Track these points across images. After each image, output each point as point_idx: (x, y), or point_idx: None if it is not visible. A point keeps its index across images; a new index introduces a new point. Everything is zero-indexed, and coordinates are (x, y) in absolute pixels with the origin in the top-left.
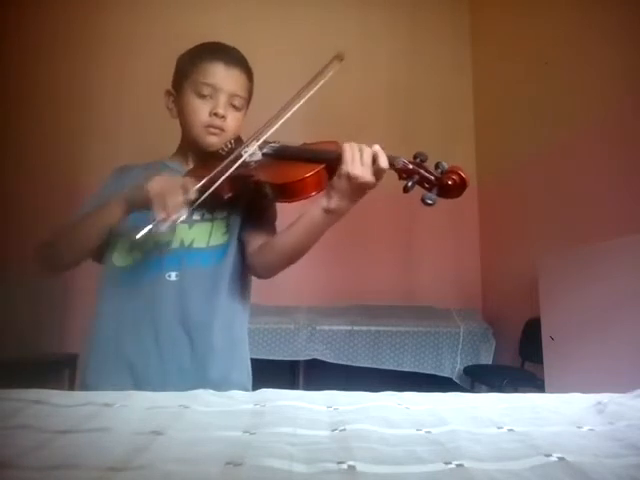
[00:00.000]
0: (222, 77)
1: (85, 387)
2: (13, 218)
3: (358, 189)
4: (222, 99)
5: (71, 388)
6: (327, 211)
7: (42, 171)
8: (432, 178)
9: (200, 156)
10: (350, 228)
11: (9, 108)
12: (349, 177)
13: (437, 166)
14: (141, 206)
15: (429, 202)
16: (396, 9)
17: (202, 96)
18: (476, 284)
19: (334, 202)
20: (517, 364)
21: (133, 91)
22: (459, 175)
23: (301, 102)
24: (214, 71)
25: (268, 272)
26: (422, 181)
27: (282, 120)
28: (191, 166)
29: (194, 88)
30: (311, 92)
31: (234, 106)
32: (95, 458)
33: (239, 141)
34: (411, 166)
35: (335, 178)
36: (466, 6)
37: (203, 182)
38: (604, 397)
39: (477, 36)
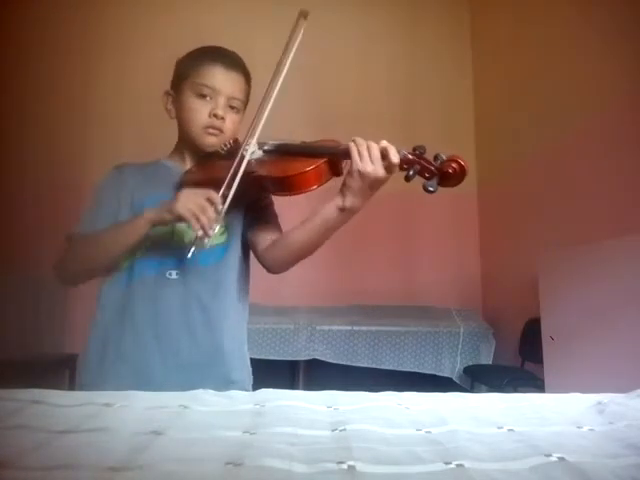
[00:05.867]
0: (221, 80)
1: (83, 385)
2: (15, 219)
3: (371, 185)
4: (221, 101)
5: (71, 388)
6: (342, 210)
7: (43, 172)
8: (432, 168)
9: (197, 156)
10: (350, 228)
11: (10, 107)
12: (361, 174)
13: (436, 158)
14: (172, 223)
15: (431, 189)
16: (396, 9)
17: (202, 97)
18: (476, 284)
19: (349, 200)
20: (517, 364)
21: (133, 91)
22: (458, 163)
23: (284, 72)
24: (213, 73)
25: (281, 267)
26: (423, 171)
27: (272, 99)
28: (189, 166)
29: (194, 89)
30: (289, 58)
31: (232, 108)
32: (95, 458)
33: (237, 142)
34: (411, 157)
35: (347, 177)
36: (466, 6)
37: (223, 189)
38: (604, 397)
39: (477, 36)
